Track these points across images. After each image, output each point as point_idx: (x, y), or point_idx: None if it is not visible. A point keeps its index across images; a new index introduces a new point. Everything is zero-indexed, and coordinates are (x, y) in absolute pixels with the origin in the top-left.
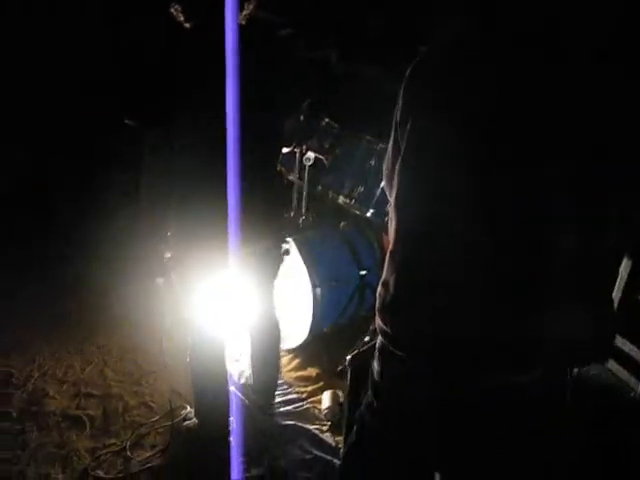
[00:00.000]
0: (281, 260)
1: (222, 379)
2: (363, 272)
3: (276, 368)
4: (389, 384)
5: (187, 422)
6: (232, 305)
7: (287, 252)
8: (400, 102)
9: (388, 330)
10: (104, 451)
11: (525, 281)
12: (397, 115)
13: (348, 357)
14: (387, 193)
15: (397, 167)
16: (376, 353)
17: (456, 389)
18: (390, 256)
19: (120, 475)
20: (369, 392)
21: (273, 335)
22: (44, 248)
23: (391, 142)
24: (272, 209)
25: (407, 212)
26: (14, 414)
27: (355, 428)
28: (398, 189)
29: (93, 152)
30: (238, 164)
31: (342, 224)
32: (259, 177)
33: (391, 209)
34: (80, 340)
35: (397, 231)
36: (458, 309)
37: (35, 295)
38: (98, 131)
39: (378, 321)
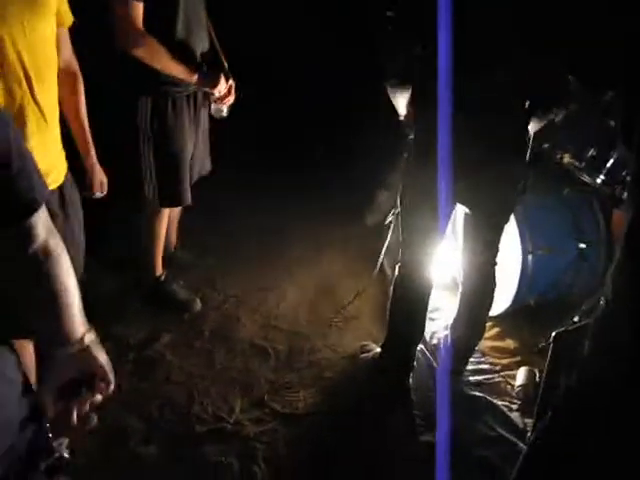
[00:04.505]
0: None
1: (421, 318)
2: (583, 245)
3: (482, 331)
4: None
5: (365, 354)
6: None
7: None
8: None
9: None
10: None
11: None
12: None
13: (553, 334)
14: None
15: None
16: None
17: None
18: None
19: (295, 412)
20: (573, 377)
21: (489, 294)
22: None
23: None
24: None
25: None
26: (206, 334)
27: (549, 415)
28: None
29: None
30: None
31: (566, 190)
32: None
33: (629, 189)
34: (279, 275)
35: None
36: None
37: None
38: None
39: None
